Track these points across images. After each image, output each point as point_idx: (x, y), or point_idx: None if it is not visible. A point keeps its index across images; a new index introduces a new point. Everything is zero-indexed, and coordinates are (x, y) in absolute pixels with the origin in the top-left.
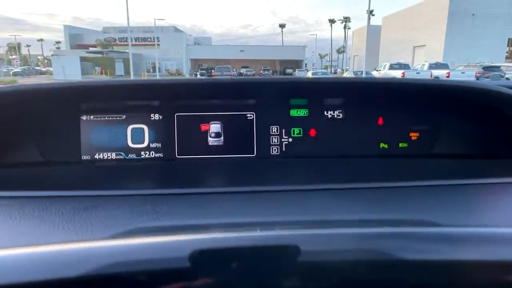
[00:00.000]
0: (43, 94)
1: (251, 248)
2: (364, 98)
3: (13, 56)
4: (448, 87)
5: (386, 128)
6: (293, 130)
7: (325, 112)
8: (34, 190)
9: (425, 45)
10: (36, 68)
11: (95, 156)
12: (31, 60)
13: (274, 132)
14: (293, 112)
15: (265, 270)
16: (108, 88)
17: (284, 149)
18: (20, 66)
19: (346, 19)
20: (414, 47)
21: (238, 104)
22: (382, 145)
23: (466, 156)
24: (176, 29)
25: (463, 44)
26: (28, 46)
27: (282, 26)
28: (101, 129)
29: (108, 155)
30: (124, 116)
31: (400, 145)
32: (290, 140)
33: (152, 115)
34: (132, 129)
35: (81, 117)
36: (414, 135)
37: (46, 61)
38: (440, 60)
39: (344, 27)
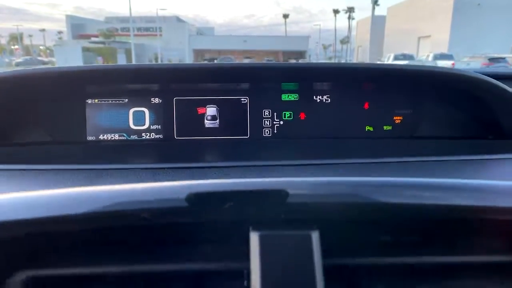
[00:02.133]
0: (53, 77)
1: (243, 190)
2: (351, 83)
3: (15, 47)
4: (426, 73)
5: (372, 112)
6: (284, 114)
7: (314, 97)
8: (42, 164)
9: (430, 35)
10: (39, 58)
11: (100, 137)
12: (33, 50)
13: (267, 115)
14: (284, 97)
15: (255, 210)
16: (112, 72)
17: (275, 131)
18: (22, 56)
19: (350, 9)
20: (419, 37)
21: (233, 89)
22: (367, 128)
23: (446, 138)
24: (178, 19)
25: (469, 35)
26: (30, 36)
27: (285, 16)
28: (105, 112)
29: (112, 136)
30: (126, 100)
31: (385, 128)
32: (281, 122)
33: (152, 99)
34: (134, 112)
35: (87, 101)
36: (397, 119)
37: (48, 51)
38: (445, 51)
39: (348, 18)
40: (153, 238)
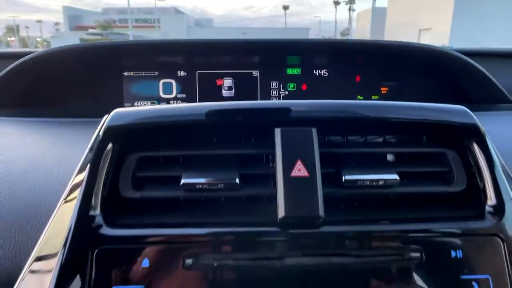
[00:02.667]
0: (96, 50)
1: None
2: (345, 58)
3: (12, 38)
4: (407, 47)
5: (362, 83)
6: (289, 85)
7: (314, 71)
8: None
9: (431, 28)
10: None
11: (134, 104)
12: (30, 42)
13: (274, 86)
14: (289, 71)
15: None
16: (144, 45)
17: (281, 99)
18: (19, 48)
19: (351, 1)
20: (420, 30)
21: (246, 64)
22: (359, 97)
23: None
24: (177, 11)
25: (471, 28)
26: (27, 28)
27: (285, 8)
28: (139, 83)
29: (144, 103)
30: (156, 73)
31: (373, 97)
32: (286, 92)
33: (178, 72)
34: (163, 83)
35: (124, 73)
36: (384, 90)
37: (45, 43)
38: (446, 43)
39: (349, 9)
40: (217, 132)
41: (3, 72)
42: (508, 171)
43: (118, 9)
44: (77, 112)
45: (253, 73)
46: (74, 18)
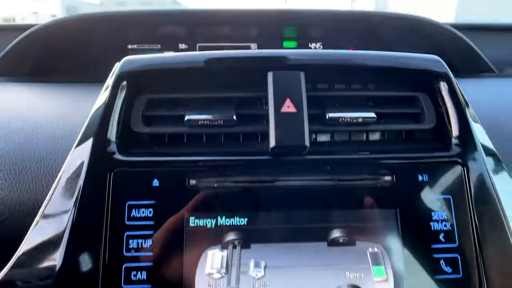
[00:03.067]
0: (103, 20)
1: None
2: (339, 31)
3: None
4: (398, 19)
5: None
6: None
7: (309, 44)
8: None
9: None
10: None
11: None
12: None
13: None
14: (286, 44)
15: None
16: (148, 15)
17: None
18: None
19: None
20: None
21: (244, 37)
22: None
23: None
24: (174, 1)
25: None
26: (22, 19)
27: None
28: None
29: None
30: (159, 46)
31: None
32: None
33: (180, 44)
34: None
35: (128, 46)
36: None
37: None
38: None
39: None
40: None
41: (14, 42)
42: (474, 113)
43: (116, 1)
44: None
45: (251, 46)
46: (72, 9)
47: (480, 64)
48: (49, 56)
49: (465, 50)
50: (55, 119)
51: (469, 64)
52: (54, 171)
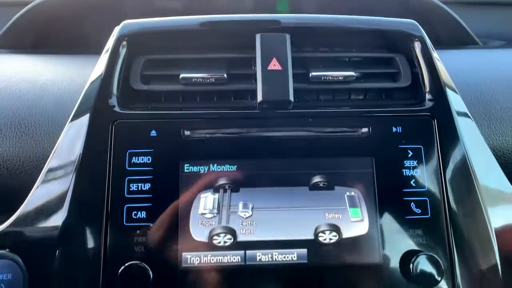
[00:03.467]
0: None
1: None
2: (330, 4)
3: None
4: None
5: None
6: None
7: None
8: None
9: None
10: None
11: None
12: None
13: None
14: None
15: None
16: None
17: None
18: None
19: None
20: None
21: (239, 7)
22: None
23: None
24: None
25: None
26: None
27: None
28: None
29: None
30: None
31: None
32: None
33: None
34: None
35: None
36: None
37: None
38: None
39: None
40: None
41: (15, 17)
42: (446, 73)
43: None
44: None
45: None
46: None
47: (465, 37)
48: (50, 30)
49: (450, 24)
50: (59, 81)
51: (454, 37)
52: (61, 126)
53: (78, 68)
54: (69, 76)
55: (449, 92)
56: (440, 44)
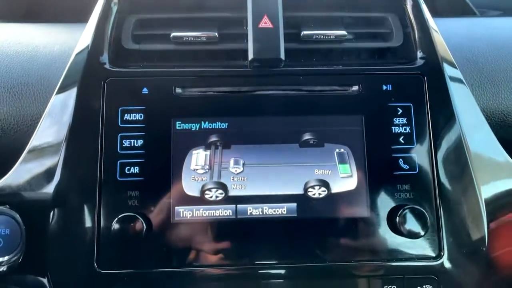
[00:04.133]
0: None
1: None
2: None
3: None
4: None
5: None
6: None
7: None
8: None
9: None
10: None
11: None
12: None
13: None
14: None
15: None
16: None
17: None
18: None
19: None
20: None
21: None
22: None
23: None
24: None
25: None
26: None
27: None
28: None
29: None
30: None
31: None
32: None
33: None
34: None
35: None
36: None
37: None
38: None
39: None
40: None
41: None
42: (439, 34)
43: None
44: None
45: None
46: None
47: (462, 7)
48: (41, 1)
49: None
50: (52, 44)
51: (452, 8)
52: (54, 86)
53: (70, 33)
54: (61, 40)
55: (440, 51)
56: (437, 13)
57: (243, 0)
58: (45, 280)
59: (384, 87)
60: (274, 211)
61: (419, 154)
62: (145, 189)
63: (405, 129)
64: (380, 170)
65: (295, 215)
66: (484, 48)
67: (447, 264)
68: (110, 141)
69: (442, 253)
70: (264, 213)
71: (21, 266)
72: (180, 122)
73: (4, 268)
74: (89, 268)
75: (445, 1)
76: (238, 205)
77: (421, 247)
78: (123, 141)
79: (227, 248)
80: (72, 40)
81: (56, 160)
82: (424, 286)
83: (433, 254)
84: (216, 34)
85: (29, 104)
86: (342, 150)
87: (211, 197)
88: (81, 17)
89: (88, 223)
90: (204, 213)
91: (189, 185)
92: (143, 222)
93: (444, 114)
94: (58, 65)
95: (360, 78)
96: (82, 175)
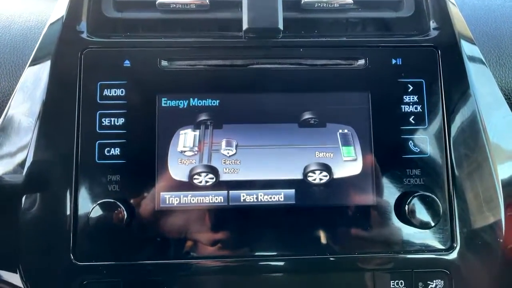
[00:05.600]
0: None
1: None
2: None
3: None
4: None
5: None
6: None
7: None
8: None
9: None
10: None
11: None
12: None
13: None
14: None
15: None
16: None
17: None
18: None
19: None
20: None
21: None
22: None
23: None
24: None
25: None
26: None
27: None
28: None
29: None
30: None
31: None
32: None
33: None
34: None
35: None
36: None
37: None
38: None
39: None
40: None
41: None
42: (455, 4)
43: None
44: None
45: None
46: None
47: None
48: None
49: None
50: (28, 14)
51: None
52: (27, 59)
53: (49, 2)
54: (38, 10)
55: (455, 23)
56: None
57: None
58: (16, 275)
59: (393, 61)
60: (270, 198)
61: (431, 135)
62: (126, 173)
63: (416, 108)
64: (388, 153)
65: (293, 202)
66: (502, 21)
67: (460, 257)
68: (88, 119)
69: (455, 245)
70: (259, 200)
71: None
72: (166, 99)
73: None
74: (65, 260)
75: None
76: (231, 191)
77: (432, 238)
78: (102, 120)
79: (218, 239)
80: (50, 10)
81: (28, 139)
82: (434, 281)
83: (445, 246)
84: (207, 1)
85: (1, 77)
86: (345, 130)
87: (201, 182)
88: None
89: (63, 210)
90: (193, 199)
91: (176, 169)
92: (124, 209)
93: (459, 92)
94: (33, 37)
95: (367, 51)
96: (56, 157)
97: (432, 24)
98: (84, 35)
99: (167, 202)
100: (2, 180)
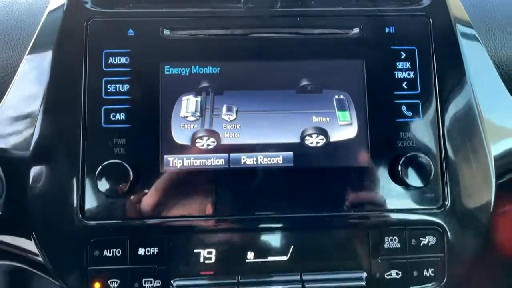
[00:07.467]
0: None
1: None
2: None
3: None
4: None
5: None
6: None
7: None
8: None
9: None
10: None
11: None
12: None
13: None
14: None
15: None
16: None
17: None
18: None
19: None
20: None
21: None
22: None
23: None
24: None
25: None
26: None
27: None
28: None
29: None
30: None
31: None
32: None
33: None
34: None
35: None
36: None
37: None
38: None
39: None
40: None
41: None
42: None
43: None
44: None
45: None
46: None
47: None
48: None
49: None
50: None
51: None
52: (34, 32)
53: None
54: None
55: None
56: None
57: None
58: (30, 242)
59: (387, 30)
60: (269, 161)
61: (423, 100)
62: (132, 136)
63: (408, 74)
64: (382, 117)
65: (292, 164)
66: None
67: (451, 215)
68: (94, 86)
69: (447, 203)
70: (259, 162)
71: (3, 223)
72: (168, 67)
73: None
74: (75, 219)
75: None
76: (231, 154)
77: (424, 197)
78: (108, 86)
79: (219, 199)
80: None
81: (37, 106)
82: (427, 237)
83: (436, 205)
84: None
85: (7, 51)
86: (341, 96)
87: (203, 145)
88: None
89: (72, 172)
90: (195, 162)
91: (179, 133)
92: (130, 170)
93: (450, 60)
94: (39, 10)
95: (361, 20)
96: (64, 123)
97: None
98: (88, 6)
99: (171, 165)
100: (12, 146)
